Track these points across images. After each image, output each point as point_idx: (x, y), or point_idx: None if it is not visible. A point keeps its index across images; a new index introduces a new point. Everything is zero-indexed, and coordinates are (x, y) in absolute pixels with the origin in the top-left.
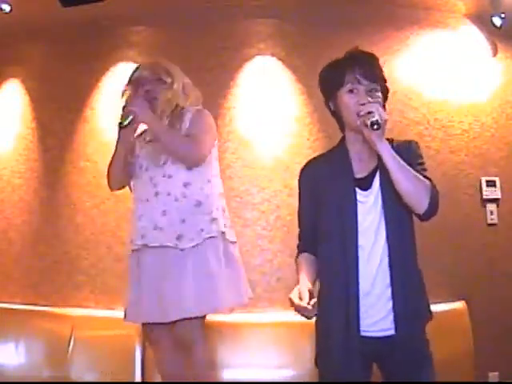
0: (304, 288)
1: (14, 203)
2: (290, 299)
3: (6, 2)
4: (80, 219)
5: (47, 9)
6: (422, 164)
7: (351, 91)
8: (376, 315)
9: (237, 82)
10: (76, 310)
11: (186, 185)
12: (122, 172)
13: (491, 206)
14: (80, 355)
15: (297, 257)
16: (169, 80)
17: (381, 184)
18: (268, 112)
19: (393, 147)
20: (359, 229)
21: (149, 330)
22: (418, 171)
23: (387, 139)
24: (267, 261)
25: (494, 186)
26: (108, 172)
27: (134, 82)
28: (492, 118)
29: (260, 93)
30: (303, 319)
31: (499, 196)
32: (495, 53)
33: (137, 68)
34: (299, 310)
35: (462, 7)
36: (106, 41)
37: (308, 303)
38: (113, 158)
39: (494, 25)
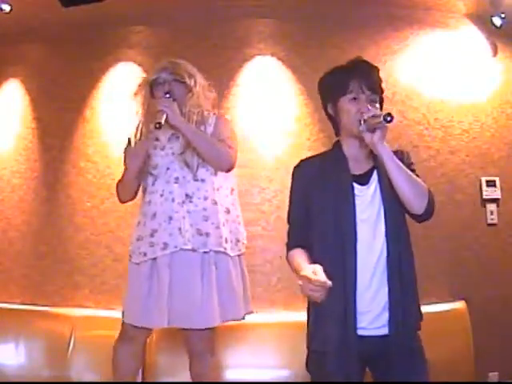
0: (317, 266)
1: (14, 203)
2: (305, 276)
3: (6, 2)
4: (80, 219)
5: (47, 9)
6: (414, 171)
7: (354, 99)
8: (372, 312)
9: (237, 81)
10: (76, 310)
11: (217, 190)
12: (135, 183)
13: (491, 206)
14: (80, 355)
15: (287, 253)
16: (191, 82)
17: (379, 181)
18: (268, 112)
19: None
20: (357, 222)
21: (139, 331)
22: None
23: None
24: (267, 261)
25: (494, 185)
26: (118, 187)
27: (152, 82)
28: (492, 118)
29: (260, 93)
30: (303, 319)
31: (499, 196)
32: (495, 53)
33: (154, 68)
34: (314, 288)
35: (462, 7)
36: (106, 41)
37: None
38: (126, 173)
39: (494, 25)
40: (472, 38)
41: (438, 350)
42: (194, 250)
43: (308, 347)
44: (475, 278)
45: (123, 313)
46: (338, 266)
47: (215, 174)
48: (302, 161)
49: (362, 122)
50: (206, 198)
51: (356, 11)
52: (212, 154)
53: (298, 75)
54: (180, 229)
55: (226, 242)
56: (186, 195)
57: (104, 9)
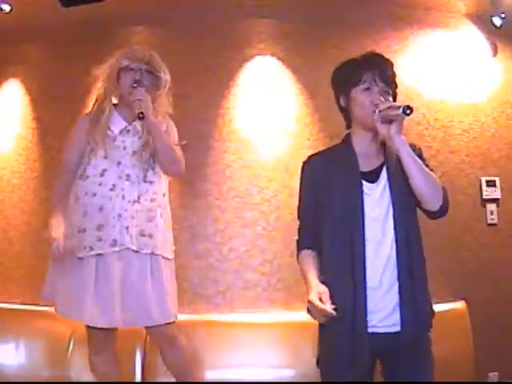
0: (325, 291)
1: (14, 203)
2: (311, 302)
3: (6, 2)
4: None
5: (47, 9)
6: (427, 166)
7: (367, 89)
8: (383, 310)
9: (237, 81)
10: None
11: (159, 193)
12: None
13: (491, 206)
14: (80, 355)
15: (298, 253)
16: (165, 78)
17: (388, 178)
18: (268, 112)
19: None
20: (366, 221)
21: (105, 333)
22: None
23: None
24: (267, 261)
25: (494, 185)
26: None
27: (125, 67)
28: (492, 118)
29: (260, 93)
30: (303, 319)
31: (499, 196)
32: (495, 53)
33: (129, 54)
34: (319, 313)
35: (462, 7)
36: (106, 41)
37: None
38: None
39: (494, 25)
40: (472, 37)
41: (438, 350)
42: (137, 251)
43: (318, 345)
44: (475, 278)
45: (57, 309)
46: (347, 265)
47: (160, 177)
48: (310, 157)
49: (377, 113)
50: (152, 200)
51: (356, 11)
52: (171, 156)
53: (298, 75)
54: (127, 228)
55: (165, 244)
56: (137, 195)
57: (104, 9)
